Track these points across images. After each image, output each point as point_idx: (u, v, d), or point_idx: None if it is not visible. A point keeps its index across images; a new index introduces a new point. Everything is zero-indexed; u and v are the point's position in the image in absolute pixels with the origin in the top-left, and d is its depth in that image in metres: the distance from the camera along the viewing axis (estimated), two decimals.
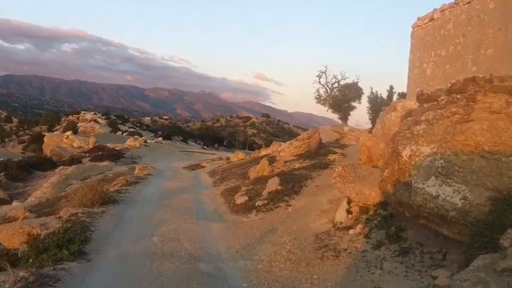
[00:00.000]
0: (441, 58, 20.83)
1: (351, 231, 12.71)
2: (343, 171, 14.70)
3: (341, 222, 13.75)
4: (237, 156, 39.12)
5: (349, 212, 13.99)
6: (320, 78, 40.02)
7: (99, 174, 44.40)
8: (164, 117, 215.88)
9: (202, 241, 13.38)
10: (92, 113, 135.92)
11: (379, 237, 11.65)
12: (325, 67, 40.05)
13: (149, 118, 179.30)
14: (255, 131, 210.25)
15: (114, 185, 24.51)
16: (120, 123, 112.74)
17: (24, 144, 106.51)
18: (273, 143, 34.85)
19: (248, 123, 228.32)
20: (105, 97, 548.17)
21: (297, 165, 23.10)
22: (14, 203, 34.89)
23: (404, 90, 37.90)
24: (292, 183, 19.11)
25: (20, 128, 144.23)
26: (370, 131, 31.71)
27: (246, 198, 18.54)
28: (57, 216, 15.65)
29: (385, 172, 11.90)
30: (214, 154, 69.07)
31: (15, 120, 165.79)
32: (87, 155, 57.90)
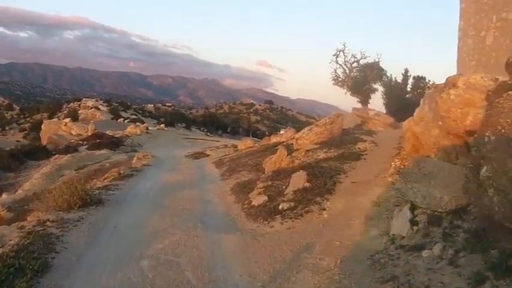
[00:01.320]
0: (508, 23, 16.71)
1: (424, 253, 8.69)
2: (402, 166, 10.70)
3: (402, 237, 9.80)
4: (245, 143, 35.19)
5: (413, 222, 10.01)
6: (337, 57, 35.79)
7: (96, 163, 40.63)
8: (167, 104, 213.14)
9: (212, 267, 9.32)
10: (94, 100, 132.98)
11: (476, 267, 7.59)
12: (343, 45, 35.73)
13: (152, 105, 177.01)
14: (258, 118, 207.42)
15: (104, 179, 20.60)
16: (122, 110, 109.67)
17: (24, 132, 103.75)
18: (287, 129, 30.83)
19: (251, 110, 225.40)
20: (107, 84, 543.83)
21: (322, 156, 19.10)
22: (4, 196, 31.51)
23: (421, 73, 34.10)
24: (322, 178, 15.06)
25: (21, 116, 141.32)
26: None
27: (265, 198, 14.47)
28: (20, 225, 11.66)
29: (484, 170, 7.89)
30: (218, 141, 65.44)
31: (16, 108, 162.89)
32: (85, 143, 54.17)
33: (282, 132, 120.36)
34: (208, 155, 38.65)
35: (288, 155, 19.46)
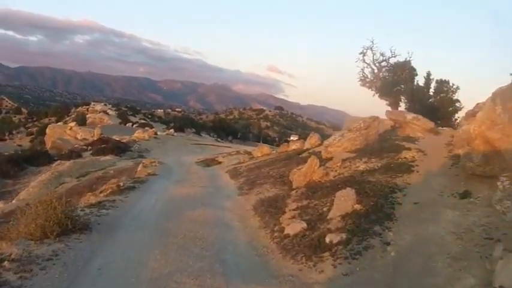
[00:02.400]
0: None
1: None
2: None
3: None
4: (262, 150, 31.76)
5: None
6: (364, 55, 32.11)
7: (99, 170, 37.41)
8: (177, 109, 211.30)
9: None
10: (102, 104, 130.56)
11: None
12: (372, 41, 31.98)
13: (162, 110, 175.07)
14: (269, 124, 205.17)
15: (100, 192, 17.16)
16: (130, 115, 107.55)
17: (32, 136, 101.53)
18: (310, 134, 27.31)
19: (261, 115, 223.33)
20: (117, 89, 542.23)
21: (362, 167, 15.64)
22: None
23: (444, 76, 30.63)
24: (375, 198, 11.54)
25: (29, 120, 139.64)
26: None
27: (303, 224, 10.86)
28: None
29: None
30: (229, 147, 62.17)
31: (24, 111, 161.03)
32: (89, 148, 50.99)
33: (291, 138, 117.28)
34: (220, 162, 35.32)
35: (320, 166, 16.04)
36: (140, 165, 28.73)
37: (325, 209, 11.62)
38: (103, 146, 49.27)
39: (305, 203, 12.57)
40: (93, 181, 31.54)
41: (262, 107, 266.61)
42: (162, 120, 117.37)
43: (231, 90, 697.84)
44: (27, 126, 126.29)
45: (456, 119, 29.90)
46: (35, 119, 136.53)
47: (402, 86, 31.50)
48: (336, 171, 15.59)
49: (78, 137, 66.18)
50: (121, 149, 48.33)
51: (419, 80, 36.01)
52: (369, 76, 31.49)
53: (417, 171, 14.32)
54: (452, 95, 33.02)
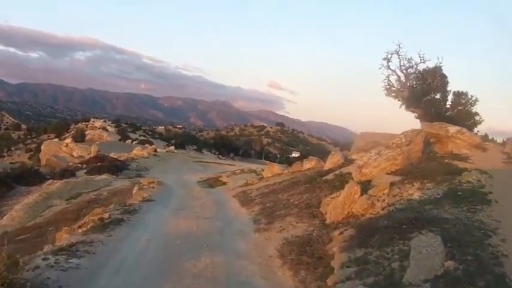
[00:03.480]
0: None
1: None
2: None
3: None
4: (272, 170, 28.06)
5: None
6: (389, 61, 28.10)
7: (93, 191, 33.76)
8: (178, 126, 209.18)
9: None
10: (102, 120, 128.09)
11: None
12: (398, 45, 27.88)
13: (162, 127, 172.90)
14: (270, 140, 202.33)
15: (79, 227, 13.31)
16: (130, 131, 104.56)
17: (31, 153, 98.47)
18: (332, 153, 23.44)
19: (262, 132, 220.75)
20: (118, 106, 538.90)
21: (416, 194, 11.83)
22: None
23: (461, 88, 27.14)
24: (469, 248, 7.62)
25: (28, 136, 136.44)
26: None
27: None
28: None
29: None
30: (232, 165, 58.55)
31: (24, 127, 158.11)
32: (84, 166, 47.28)
33: (293, 154, 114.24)
34: (225, 183, 31.66)
35: (362, 194, 12.29)
36: (136, 188, 25.07)
37: (395, 265, 7.67)
38: (99, 164, 45.61)
39: (360, 254, 8.47)
40: (84, 205, 27.90)
41: (263, 124, 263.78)
42: (162, 136, 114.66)
43: (232, 106, 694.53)
44: (26, 142, 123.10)
45: (476, 133, 26.07)
46: (34, 136, 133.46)
47: (432, 95, 27.56)
48: (383, 200, 11.82)
49: (74, 154, 62.64)
50: (118, 168, 44.67)
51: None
52: (395, 84, 27.64)
53: (496, 201, 10.60)
54: (470, 107, 29.27)
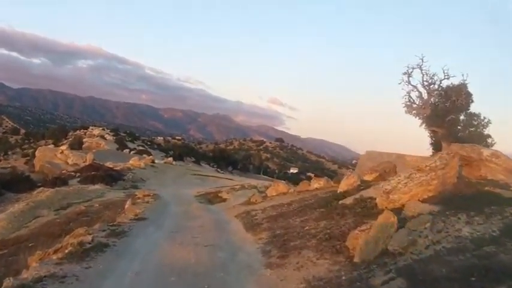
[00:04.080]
0: None
1: None
2: None
3: None
4: (277, 188, 25.76)
5: None
6: (410, 76, 25.77)
7: (84, 202, 31.44)
8: (177, 137, 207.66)
9: None
10: (100, 128, 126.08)
11: None
12: (421, 59, 25.50)
13: (162, 138, 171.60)
14: (268, 156, 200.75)
15: (55, 252, 10.96)
16: (129, 141, 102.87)
17: (27, 158, 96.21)
18: (348, 173, 20.93)
19: (261, 147, 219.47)
20: (118, 115, 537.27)
21: (466, 231, 9.44)
22: None
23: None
24: None
25: (26, 141, 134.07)
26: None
27: None
28: None
29: None
30: (231, 179, 56.49)
31: (22, 132, 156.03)
32: (78, 174, 44.87)
33: (291, 171, 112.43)
34: (225, 200, 29.40)
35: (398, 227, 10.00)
36: (128, 202, 22.77)
37: None
38: (93, 173, 43.23)
39: None
40: (73, 217, 25.61)
41: (262, 139, 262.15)
42: (161, 147, 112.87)
43: (232, 120, 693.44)
44: (23, 147, 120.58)
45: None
46: (31, 141, 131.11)
47: (456, 114, 25.19)
48: (426, 236, 9.52)
49: (69, 161, 60.28)
50: (113, 178, 42.37)
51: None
52: (416, 101, 25.31)
53: None
54: (482, 129, 27.19)
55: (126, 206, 22.23)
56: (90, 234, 12.57)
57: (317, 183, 23.92)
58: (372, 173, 22.45)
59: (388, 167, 23.46)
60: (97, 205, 28.78)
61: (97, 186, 38.05)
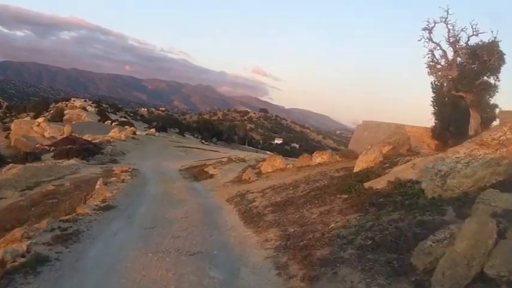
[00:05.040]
0: None
1: None
2: None
3: None
4: (273, 164, 21.84)
5: None
6: (431, 32, 21.87)
7: (55, 180, 27.54)
8: (161, 108, 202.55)
9: None
10: (82, 100, 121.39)
11: None
12: (446, 11, 21.40)
13: (145, 109, 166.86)
14: (253, 126, 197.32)
15: None
16: (111, 112, 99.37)
17: (8, 131, 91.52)
18: (368, 147, 16.42)
19: (245, 117, 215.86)
20: (102, 87, 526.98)
21: None
22: None
23: None
24: None
25: (7, 114, 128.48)
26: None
27: None
28: None
29: None
30: (217, 151, 52.38)
31: (4, 105, 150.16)
32: (52, 148, 40.56)
33: (276, 141, 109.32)
34: (212, 175, 25.49)
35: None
36: (99, 182, 18.83)
37: None
38: (68, 147, 38.95)
39: None
40: (38, 199, 21.73)
41: (246, 109, 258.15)
42: (144, 119, 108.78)
43: (215, 91, 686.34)
44: (4, 121, 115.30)
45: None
46: (13, 114, 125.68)
47: (487, 77, 21.00)
48: None
49: (46, 134, 55.78)
50: (90, 152, 38.19)
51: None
52: (441, 61, 21.22)
53: None
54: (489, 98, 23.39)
55: (97, 187, 18.37)
56: (29, 238, 8.68)
57: (320, 158, 20.13)
58: (385, 146, 18.70)
59: (401, 139, 19.81)
60: (68, 184, 24.88)
61: (72, 162, 34.09)
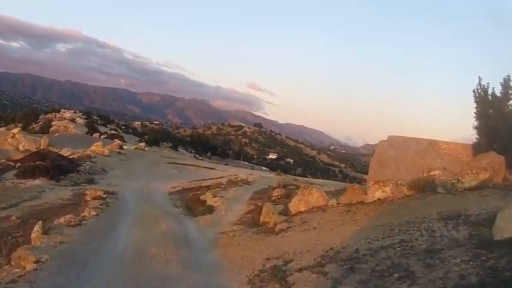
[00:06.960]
0: None
1: None
2: None
3: None
4: (309, 199, 14.32)
5: None
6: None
7: (6, 208, 20.28)
8: (154, 122, 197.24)
9: None
10: (72, 111, 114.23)
11: None
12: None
13: (139, 122, 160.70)
14: (247, 141, 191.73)
15: None
16: (101, 125, 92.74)
17: None
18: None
19: (240, 132, 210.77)
20: (96, 99, 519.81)
21: None
22: None
23: None
24: None
25: None
26: None
27: None
28: None
29: None
30: (213, 168, 45.00)
31: None
32: (18, 165, 33.07)
33: (270, 156, 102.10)
34: (211, 209, 18.32)
35: None
36: (36, 229, 11.57)
37: None
38: (37, 163, 31.41)
39: None
40: None
41: (240, 124, 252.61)
42: (136, 132, 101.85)
43: (210, 105, 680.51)
44: None
45: None
46: (1, 124, 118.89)
47: None
48: None
49: (20, 147, 48.18)
50: (63, 169, 30.50)
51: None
52: None
53: None
54: None
55: (33, 236, 11.21)
56: None
57: (380, 191, 12.91)
58: (479, 173, 11.94)
59: (496, 162, 12.82)
60: (14, 217, 17.52)
61: (37, 182, 26.86)
